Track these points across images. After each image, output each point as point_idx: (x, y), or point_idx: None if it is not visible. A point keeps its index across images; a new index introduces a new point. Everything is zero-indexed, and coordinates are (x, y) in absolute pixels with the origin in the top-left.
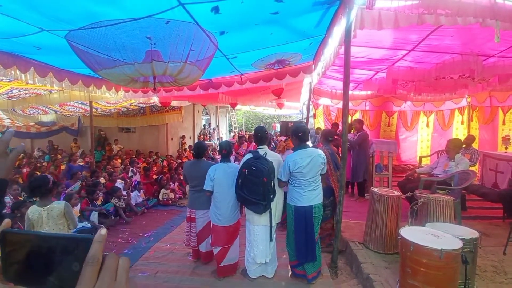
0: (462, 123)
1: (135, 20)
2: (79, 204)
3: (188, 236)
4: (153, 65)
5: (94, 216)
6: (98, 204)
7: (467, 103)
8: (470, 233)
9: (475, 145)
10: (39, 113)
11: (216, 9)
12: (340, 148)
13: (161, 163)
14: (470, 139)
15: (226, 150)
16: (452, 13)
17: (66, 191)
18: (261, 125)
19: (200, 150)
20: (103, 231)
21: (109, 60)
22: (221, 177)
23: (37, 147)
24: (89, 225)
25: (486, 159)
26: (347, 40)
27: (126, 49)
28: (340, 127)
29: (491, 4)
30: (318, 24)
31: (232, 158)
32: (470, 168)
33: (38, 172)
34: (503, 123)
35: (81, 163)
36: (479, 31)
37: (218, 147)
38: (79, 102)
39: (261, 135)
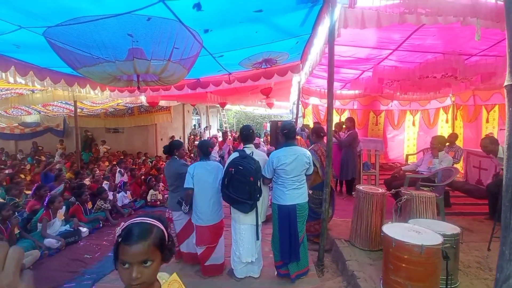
0: (447, 121)
1: (115, 16)
2: (63, 207)
3: None
4: (134, 63)
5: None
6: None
7: (451, 102)
8: (452, 228)
9: (459, 143)
10: (22, 113)
11: (198, 6)
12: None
13: (150, 164)
14: (453, 137)
15: (204, 148)
16: (433, 12)
17: (50, 194)
18: (249, 124)
19: (171, 147)
20: None
21: (89, 58)
22: (201, 174)
23: (19, 149)
24: (71, 228)
25: (470, 156)
26: (331, 39)
27: (106, 46)
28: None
29: (472, 3)
30: (303, 23)
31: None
32: (454, 165)
33: (22, 175)
34: (487, 121)
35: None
36: (460, 30)
37: (197, 146)
38: (63, 102)
39: (247, 134)
